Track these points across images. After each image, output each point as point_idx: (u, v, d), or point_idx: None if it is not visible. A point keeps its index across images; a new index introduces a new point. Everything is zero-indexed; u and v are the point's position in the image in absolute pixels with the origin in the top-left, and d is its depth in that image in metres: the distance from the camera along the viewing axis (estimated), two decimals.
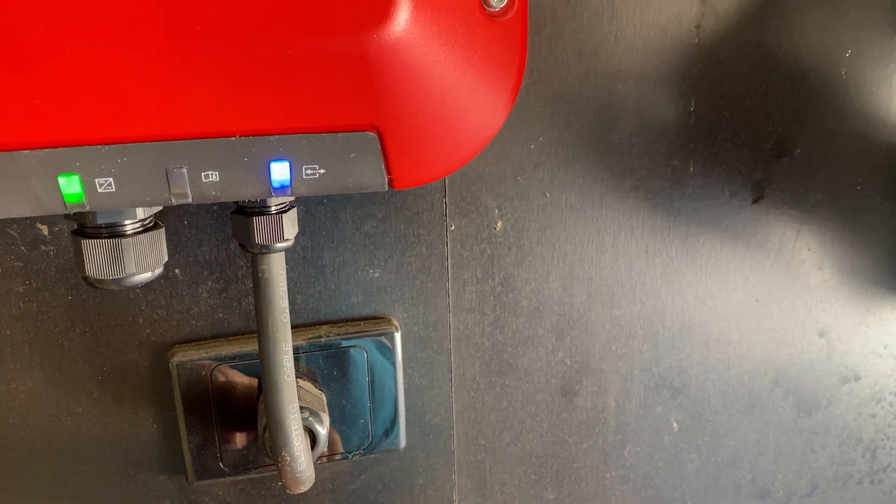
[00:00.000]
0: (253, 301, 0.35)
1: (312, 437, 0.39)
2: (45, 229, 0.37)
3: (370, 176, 0.30)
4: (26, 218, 0.36)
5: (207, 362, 0.40)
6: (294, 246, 0.40)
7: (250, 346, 0.40)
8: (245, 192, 0.29)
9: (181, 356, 0.39)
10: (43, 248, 0.37)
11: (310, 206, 0.40)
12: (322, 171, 0.29)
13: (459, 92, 0.30)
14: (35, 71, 0.25)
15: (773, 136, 0.46)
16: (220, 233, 0.39)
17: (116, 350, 0.39)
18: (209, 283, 0.40)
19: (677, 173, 0.45)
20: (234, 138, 0.28)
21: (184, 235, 0.39)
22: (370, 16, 0.26)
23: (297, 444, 0.34)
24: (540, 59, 0.41)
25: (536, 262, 0.44)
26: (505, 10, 0.30)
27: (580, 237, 0.45)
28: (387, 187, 0.31)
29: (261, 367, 0.34)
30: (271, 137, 0.28)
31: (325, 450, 0.40)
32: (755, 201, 0.47)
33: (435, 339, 0.44)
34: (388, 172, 0.30)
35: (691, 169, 0.45)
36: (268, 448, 0.36)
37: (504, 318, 0.45)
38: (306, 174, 0.29)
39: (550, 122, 0.42)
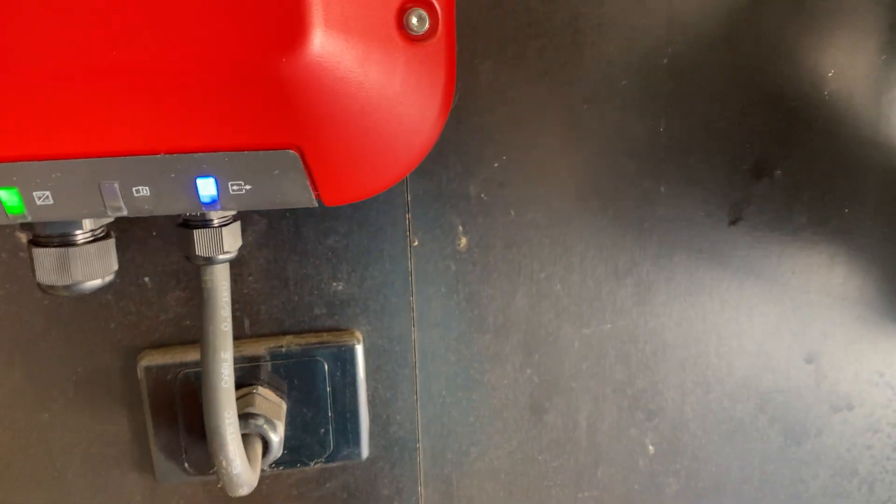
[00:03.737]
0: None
1: (266, 444, 0.40)
2: (23, 237, 0.39)
3: (297, 192, 0.31)
4: (6, 228, 0.39)
5: (174, 367, 0.42)
6: (258, 258, 0.42)
7: None
8: (176, 207, 0.31)
9: (149, 360, 0.41)
10: (21, 254, 0.39)
11: (272, 220, 0.41)
12: (248, 186, 0.31)
13: (380, 113, 0.31)
14: None
15: (750, 157, 0.46)
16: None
17: (89, 352, 0.42)
18: (177, 292, 0.42)
19: (647, 193, 0.45)
20: (159, 156, 0.29)
21: (152, 245, 0.41)
22: (283, 39, 0.28)
23: (231, 449, 0.35)
24: (505, 79, 0.42)
25: (502, 279, 0.45)
26: (427, 35, 0.31)
27: (547, 255, 0.45)
28: (316, 203, 0.32)
29: (201, 373, 0.35)
30: (195, 155, 0.29)
31: (278, 456, 0.41)
32: (732, 223, 0.47)
33: (399, 352, 0.45)
34: (315, 189, 0.31)
35: (662, 189, 0.45)
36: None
37: (469, 334, 0.45)
38: (233, 190, 0.31)
39: (516, 141, 0.43)
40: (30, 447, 0.43)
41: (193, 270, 0.41)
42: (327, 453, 0.44)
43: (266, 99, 0.29)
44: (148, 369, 0.41)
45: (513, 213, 0.44)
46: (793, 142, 0.46)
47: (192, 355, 0.42)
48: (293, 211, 0.41)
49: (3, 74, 0.27)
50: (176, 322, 0.42)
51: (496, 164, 0.43)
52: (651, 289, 0.47)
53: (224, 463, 0.35)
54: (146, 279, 0.41)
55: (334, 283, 0.43)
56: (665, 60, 0.43)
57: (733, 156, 0.45)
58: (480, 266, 0.44)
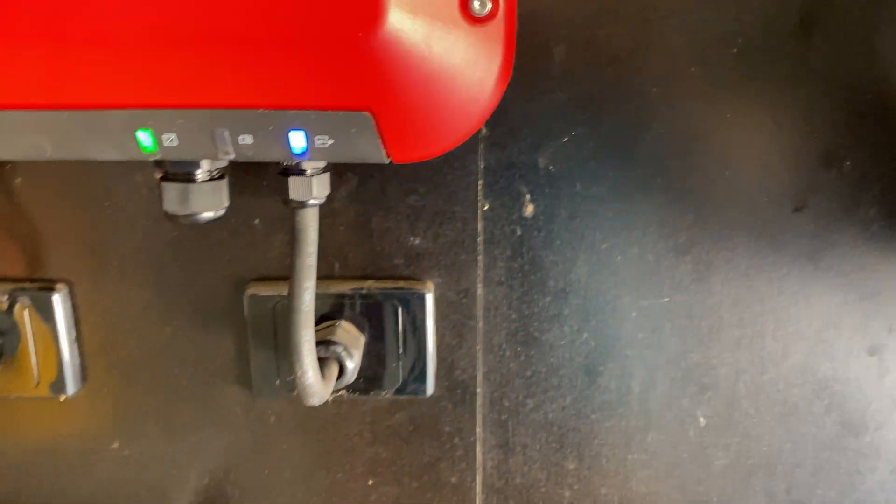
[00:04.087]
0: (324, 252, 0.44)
1: (341, 368, 0.47)
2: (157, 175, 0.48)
3: (371, 149, 0.37)
4: (145, 176, 0.47)
5: (274, 298, 0.49)
6: (349, 212, 0.48)
7: None
8: (273, 155, 0.37)
9: (254, 290, 0.49)
10: (156, 191, 0.48)
11: (363, 179, 0.48)
12: (331, 141, 0.37)
13: (443, 84, 0.36)
14: (122, 53, 0.34)
15: (819, 147, 0.47)
16: None
17: (206, 281, 0.50)
18: (281, 235, 0.49)
19: (711, 176, 0.47)
20: (261, 110, 0.36)
21: (263, 193, 0.48)
22: (362, 18, 0.33)
23: (307, 362, 0.42)
24: (576, 61, 0.45)
25: (565, 246, 0.49)
26: (488, 17, 0.35)
27: (609, 228, 0.49)
28: (387, 160, 0.38)
29: (288, 297, 0.42)
30: (289, 112, 0.36)
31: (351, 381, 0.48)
32: (796, 210, 0.48)
33: (465, 304, 0.50)
34: (385, 147, 0.37)
35: (727, 173, 0.47)
36: None
37: (531, 295, 0.50)
38: (318, 143, 0.37)
39: (583, 119, 0.46)
40: (153, 355, 0.51)
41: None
42: (397, 386, 0.50)
43: (346, 67, 0.35)
44: (252, 298, 0.49)
45: (578, 185, 0.48)
46: (864, 134, 0.47)
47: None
48: (381, 171, 0.47)
49: (151, 38, 0.34)
50: (279, 260, 0.49)
51: (565, 139, 0.47)
52: (710, 267, 0.49)
53: (300, 373, 0.42)
54: (256, 221, 0.49)
55: (412, 238, 0.49)
56: (735, 50, 0.45)
57: (801, 144, 0.47)
58: (545, 232, 0.49)
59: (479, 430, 0.53)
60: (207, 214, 0.41)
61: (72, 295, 0.50)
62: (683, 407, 0.52)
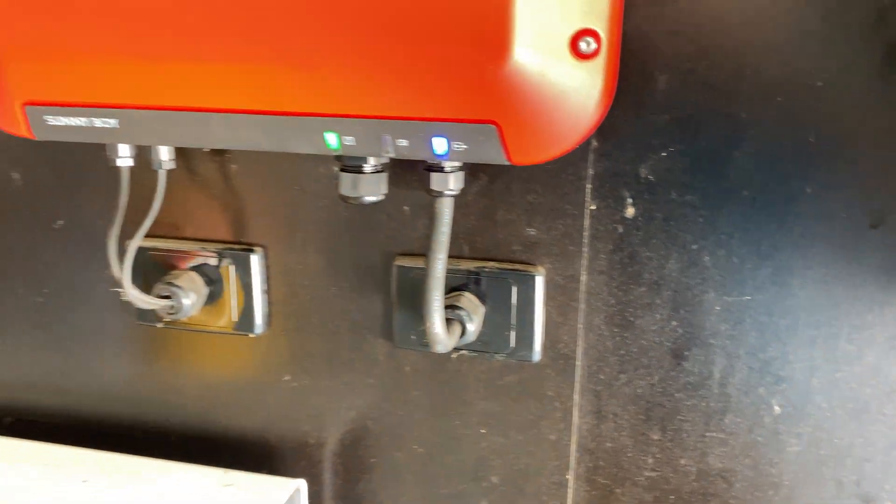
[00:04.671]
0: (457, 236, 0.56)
1: (463, 329, 0.58)
2: (336, 167, 0.61)
3: (495, 154, 0.48)
4: (332, 163, 0.61)
5: (415, 269, 0.61)
6: (479, 204, 0.59)
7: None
8: (421, 155, 0.49)
9: (400, 262, 0.61)
10: (333, 180, 0.62)
11: (492, 179, 0.59)
12: (465, 146, 0.48)
13: (554, 105, 0.46)
14: (321, 74, 0.48)
15: (894, 171, 0.53)
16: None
17: (365, 252, 0.63)
18: (424, 220, 0.61)
19: (793, 192, 0.54)
20: (415, 120, 0.48)
21: (413, 184, 0.60)
22: (491, 53, 0.45)
23: (436, 316, 0.53)
24: (676, 88, 0.54)
25: (659, 245, 0.57)
26: (593, 54, 0.45)
27: (699, 231, 0.57)
28: (507, 162, 0.48)
29: (424, 265, 0.54)
30: (435, 122, 0.48)
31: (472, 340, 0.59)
32: (873, 226, 0.54)
33: (570, 289, 0.60)
34: (507, 152, 0.48)
35: (808, 190, 0.54)
36: None
37: (627, 285, 0.59)
38: (455, 147, 0.48)
39: (681, 137, 0.55)
40: (320, 310, 0.65)
41: (429, 204, 0.60)
42: (509, 350, 0.61)
43: (478, 90, 0.46)
44: (399, 268, 0.61)
45: (674, 193, 0.56)
46: None
47: None
48: (507, 173, 0.58)
49: (342, 64, 0.47)
50: (421, 239, 0.61)
51: (663, 153, 0.56)
52: (790, 272, 0.56)
53: (429, 325, 0.54)
54: (406, 208, 0.61)
55: (528, 229, 0.59)
56: (819, 83, 0.52)
57: (879, 166, 0.53)
58: (643, 232, 0.57)
59: (576, 396, 0.62)
60: (371, 198, 0.54)
61: (265, 256, 0.65)
62: (759, 395, 0.59)
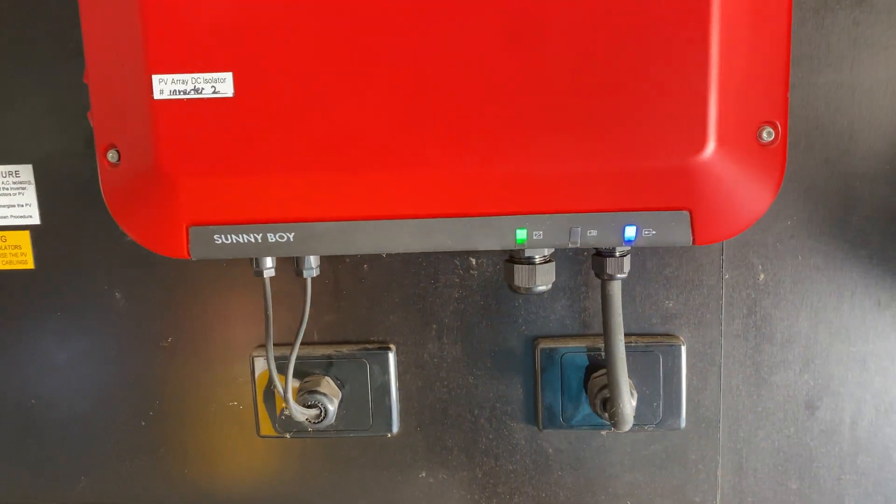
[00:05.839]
0: (587, 316, 0.58)
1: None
2: (474, 261, 0.63)
3: (682, 237, 0.51)
4: (466, 255, 0.62)
5: (560, 350, 0.63)
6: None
7: (583, 342, 0.62)
8: (608, 242, 0.52)
9: (544, 345, 0.63)
10: (472, 271, 0.63)
11: (631, 258, 0.62)
12: (654, 232, 0.51)
13: (739, 189, 0.50)
14: (514, 179, 0.49)
15: None
16: (572, 269, 0.62)
17: (504, 337, 0.64)
18: (563, 301, 0.63)
19: None
20: (611, 213, 0.50)
21: (558, 268, 0.62)
22: (690, 149, 0.48)
23: (625, 395, 0.55)
24: (797, 164, 0.60)
25: (789, 306, 0.62)
26: (772, 142, 0.50)
27: (824, 290, 0.62)
28: (691, 244, 0.52)
29: (605, 347, 0.56)
30: (630, 213, 0.50)
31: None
32: None
33: (710, 354, 0.63)
34: (693, 235, 0.51)
35: None
36: (599, 405, 0.58)
37: (762, 345, 0.63)
38: (645, 234, 0.51)
39: (803, 206, 0.60)
40: (459, 399, 0.65)
41: (573, 287, 0.63)
42: (657, 420, 0.63)
43: (675, 180, 0.49)
44: (542, 350, 0.63)
45: (799, 257, 0.61)
46: None
47: (570, 342, 0.63)
48: (643, 251, 0.62)
49: (538, 174, 0.49)
50: (559, 321, 0.63)
51: (788, 223, 0.61)
52: None
53: (620, 405, 0.55)
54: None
55: (667, 302, 0.63)
56: None
57: None
58: (773, 295, 0.62)
59: (719, 457, 0.65)
60: (543, 288, 0.55)
61: (397, 353, 0.65)
62: (887, 434, 0.64)
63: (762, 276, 0.62)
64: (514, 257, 0.55)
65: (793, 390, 0.64)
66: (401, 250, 0.52)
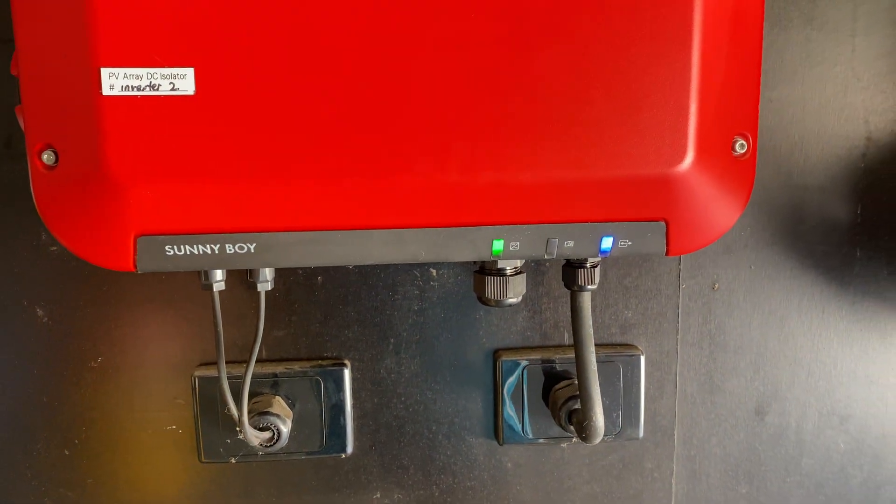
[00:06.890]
0: (548, 327, 0.57)
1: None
2: (434, 272, 0.60)
3: (657, 247, 0.51)
4: (427, 266, 0.60)
5: (522, 362, 0.61)
6: None
7: (545, 354, 0.61)
8: (584, 253, 0.51)
9: (505, 357, 0.61)
10: (432, 283, 0.60)
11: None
12: (630, 242, 0.51)
13: (713, 200, 0.50)
14: (496, 183, 0.48)
15: None
16: (533, 280, 0.61)
17: (463, 350, 0.62)
18: (524, 313, 0.62)
19: (847, 257, 0.63)
20: (588, 223, 0.49)
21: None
22: (669, 160, 0.48)
23: (598, 408, 0.54)
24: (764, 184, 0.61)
25: (742, 314, 0.63)
26: (744, 154, 0.50)
27: (775, 299, 0.63)
28: (665, 254, 0.52)
29: (576, 359, 0.55)
30: (608, 223, 0.50)
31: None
32: None
33: (666, 363, 0.64)
34: (668, 245, 0.51)
35: (858, 254, 0.63)
36: (564, 417, 0.57)
37: (716, 353, 0.64)
38: (620, 244, 0.51)
39: (757, 218, 0.62)
40: (416, 414, 0.63)
41: (535, 298, 0.61)
42: (616, 431, 0.63)
43: (653, 191, 0.49)
44: (504, 363, 0.61)
45: (752, 267, 0.63)
46: None
47: (533, 354, 0.61)
48: (604, 261, 0.61)
49: (519, 185, 0.48)
50: (520, 333, 0.62)
51: (742, 233, 0.62)
52: (847, 326, 0.64)
53: (593, 417, 0.54)
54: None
55: (626, 311, 0.62)
56: (862, 165, 0.62)
57: None
58: (727, 304, 0.63)
59: (674, 465, 0.65)
60: (514, 300, 0.54)
61: (352, 369, 0.61)
62: (828, 436, 0.66)
63: (717, 285, 0.63)
64: (485, 268, 0.54)
65: (744, 397, 0.65)
66: (371, 262, 0.50)
